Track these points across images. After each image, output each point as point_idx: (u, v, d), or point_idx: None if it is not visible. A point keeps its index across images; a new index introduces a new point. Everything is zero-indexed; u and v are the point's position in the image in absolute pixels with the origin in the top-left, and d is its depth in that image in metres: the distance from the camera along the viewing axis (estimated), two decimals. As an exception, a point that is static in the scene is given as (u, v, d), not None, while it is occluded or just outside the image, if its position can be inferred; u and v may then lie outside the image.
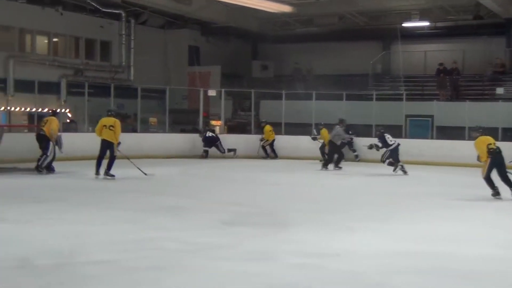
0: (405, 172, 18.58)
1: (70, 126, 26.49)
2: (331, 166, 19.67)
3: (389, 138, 18.81)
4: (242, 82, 32.09)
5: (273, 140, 24.42)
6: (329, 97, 26.10)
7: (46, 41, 29.71)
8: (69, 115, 28.08)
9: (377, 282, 6.49)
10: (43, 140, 16.52)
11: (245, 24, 32.78)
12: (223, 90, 27.44)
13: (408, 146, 23.09)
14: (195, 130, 24.82)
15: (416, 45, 32.03)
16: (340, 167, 19.85)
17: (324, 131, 22.66)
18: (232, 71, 33.75)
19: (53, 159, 16.77)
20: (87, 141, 20.72)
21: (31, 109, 25.61)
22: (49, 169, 16.69)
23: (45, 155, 16.45)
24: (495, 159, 13.20)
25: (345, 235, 9.04)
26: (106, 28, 30.80)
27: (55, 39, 30.02)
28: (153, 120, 29.26)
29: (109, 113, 16.37)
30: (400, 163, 18.67)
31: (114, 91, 24.28)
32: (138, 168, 16.25)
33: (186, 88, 32.09)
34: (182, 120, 29.63)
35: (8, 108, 25.57)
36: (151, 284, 6.28)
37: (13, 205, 11.24)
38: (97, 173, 15.78)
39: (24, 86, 25.50)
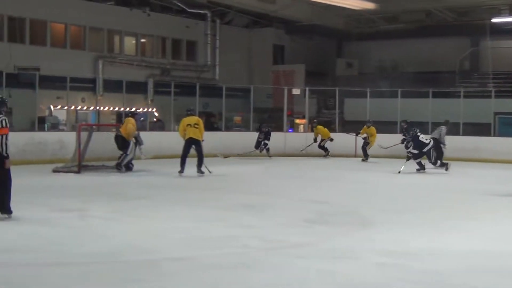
0: (420, 170, 18.07)
1: (157, 125, 26.96)
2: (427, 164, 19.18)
3: (423, 138, 18.12)
4: (327, 80, 31.91)
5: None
6: (415, 95, 25.65)
7: (133, 41, 30.36)
8: (156, 114, 28.61)
9: (460, 283, 6.30)
10: (122, 141, 16.79)
11: (329, 22, 32.58)
12: (307, 88, 27.34)
13: (496, 144, 22.51)
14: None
15: (505, 41, 31.16)
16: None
17: (372, 129, 22.40)
18: (317, 69, 33.60)
19: (133, 157, 17.09)
20: (173, 140, 21.04)
21: (119, 108, 26.15)
22: (128, 167, 17.01)
23: (125, 154, 16.76)
24: None
25: (427, 234, 8.81)
26: (192, 28, 31.17)
27: (142, 40, 30.65)
28: (237, 118, 29.50)
29: (190, 112, 16.64)
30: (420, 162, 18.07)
31: (200, 90, 24.58)
32: (204, 166, 16.39)
33: (270, 87, 32.16)
34: (267, 119, 29.71)
35: (97, 107, 26.21)
36: (232, 281, 6.26)
37: (99, 202, 11.49)
38: (182, 171, 15.98)
39: (112, 86, 26.07)
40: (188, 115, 16.50)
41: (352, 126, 25.44)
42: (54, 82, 23.27)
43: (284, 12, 31.20)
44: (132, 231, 8.86)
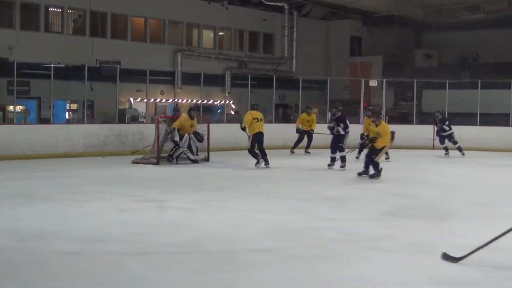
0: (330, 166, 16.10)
1: (234, 117, 27.10)
2: None
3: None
4: (404, 71, 31.38)
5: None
6: (496, 86, 24.97)
7: (211, 35, 30.59)
8: (233, 106, 28.78)
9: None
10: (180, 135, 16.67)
11: (408, 12, 32.10)
12: (384, 80, 26.96)
13: None
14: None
15: None
16: None
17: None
18: (394, 61, 33.09)
19: (190, 150, 16.85)
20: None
21: (197, 100, 26.40)
22: (193, 160, 16.94)
23: (177, 146, 16.66)
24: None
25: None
26: (269, 21, 31.23)
27: (220, 33, 30.86)
28: (314, 111, 29.33)
29: (256, 107, 16.57)
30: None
31: (276, 83, 24.64)
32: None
33: (347, 79, 31.92)
34: (343, 111, 29.43)
35: (176, 100, 26.53)
36: (310, 273, 6.22)
37: (178, 193, 11.64)
38: (259, 162, 16.02)
39: (190, 79, 26.41)
40: (254, 109, 16.44)
41: (430, 118, 24.95)
42: (134, 75, 23.69)
43: (361, 3, 30.88)
44: (212, 221, 8.92)
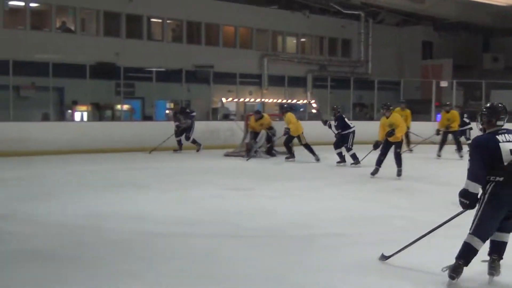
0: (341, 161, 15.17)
1: (316, 115, 27.04)
2: None
3: (348, 120, 15.56)
4: (473, 73, 30.59)
5: None
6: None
7: (294, 41, 30.57)
8: (314, 105, 28.73)
9: None
10: (253, 132, 16.89)
11: (476, 18, 31.24)
12: (454, 81, 26.33)
13: None
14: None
15: None
16: None
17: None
18: (463, 63, 32.35)
19: (265, 144, 17.02)
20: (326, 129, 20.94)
21: (281, 100, 26.51)
22: (270, 153, 17.01)
23: (255, 142, 16.78)
24: None
25: None
26: (346, 28, 30.97)
27: (302, 39, 30.81)
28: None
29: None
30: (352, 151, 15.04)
31: (354, 84, 24.55)
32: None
33: (419, 80, 31.38)
34: (415, 110, 28.91)
35: (263, 100, 26.71)
36: (374, 256, 6.15)
37: (264, 183, 11.74)
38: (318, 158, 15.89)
39: (276, 81, 26.52)
40: (289, 111, 16.25)
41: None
42: (225, 78, 23.89)
43: (432, 10, 30.24)
44: (292, 208, 8.96)
